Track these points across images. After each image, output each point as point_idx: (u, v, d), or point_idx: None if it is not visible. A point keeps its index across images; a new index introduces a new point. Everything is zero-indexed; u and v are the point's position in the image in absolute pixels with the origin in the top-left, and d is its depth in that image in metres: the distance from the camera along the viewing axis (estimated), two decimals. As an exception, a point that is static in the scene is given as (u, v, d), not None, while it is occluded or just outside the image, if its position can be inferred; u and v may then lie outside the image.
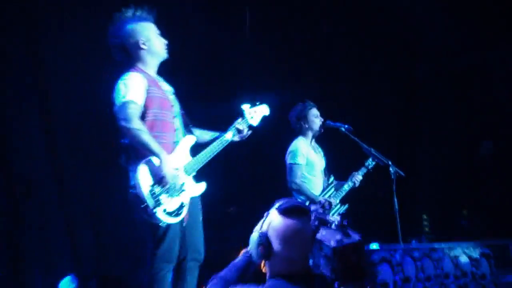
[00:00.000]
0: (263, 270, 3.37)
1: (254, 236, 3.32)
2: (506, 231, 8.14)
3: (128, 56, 4.83)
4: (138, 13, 4.85)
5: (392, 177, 6.00)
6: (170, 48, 4.96)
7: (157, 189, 4.46)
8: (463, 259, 6.74)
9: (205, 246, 4.83)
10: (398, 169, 6.09)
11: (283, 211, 3.26)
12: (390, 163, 6.12)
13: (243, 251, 3.51)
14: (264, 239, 3.26)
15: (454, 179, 10.18)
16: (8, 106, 7.59)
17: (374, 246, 5.83)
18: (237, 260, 3.52)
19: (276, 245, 3.24)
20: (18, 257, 7.34)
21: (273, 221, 3.27)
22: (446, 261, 6.55)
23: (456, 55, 10.14)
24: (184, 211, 4.61)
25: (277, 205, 3.31)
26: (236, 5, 9.43)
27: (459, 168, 10.37)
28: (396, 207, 5.84)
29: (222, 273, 3.49)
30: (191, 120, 5.05)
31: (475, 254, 6.90)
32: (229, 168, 8.12)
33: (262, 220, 3.35)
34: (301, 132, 6.77)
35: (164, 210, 4.46)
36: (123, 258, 7.38)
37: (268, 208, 3.37)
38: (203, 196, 4.97)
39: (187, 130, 4.95)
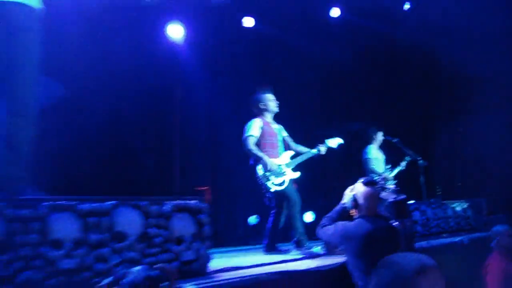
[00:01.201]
0: (352, 214, 3.27)
1: (349, 196, 3.25)
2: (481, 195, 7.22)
3: (258, 110, 4.71)
4: (263, 89, 4.78)
5: (420, 165, 5.50)
6: (281, 102, 4.74)
7: (268, 173, 4.43)
8: (458, 208, 6.20)
9: (301, 198, 4.51)
10: (423, 161, 5.56)
11: (364, 183, 3.22)
12: (419, 158, 5.61)
13: (341, 203, 3.37)
14: (354, 197, 3.21)
15: (455, 168, 8.73)
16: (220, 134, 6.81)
17: (411, 201, 5.39)
18: (337, 207, 3.38)
19: (360, 200, 3.18)
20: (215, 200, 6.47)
21: (359, 188, 3.22)
22: (449, 210, 6.07)
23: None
24: (285, 185, 4.46)
25: (361, 180, 3.26)
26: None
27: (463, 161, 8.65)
28: (422, 181, 5.35)
29: (329, 214, 3.39)
30: (294, 139, 4.81)
31: (465, 206, 6.33)
32: (335, 163, 7.39)
33: (352, 187, 3.26)
34: (373, 143, 6.35)
35: (272, 183, 4.42)
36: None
37: (355, 182, 3.28)
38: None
39: (287, 149, 4.73)
